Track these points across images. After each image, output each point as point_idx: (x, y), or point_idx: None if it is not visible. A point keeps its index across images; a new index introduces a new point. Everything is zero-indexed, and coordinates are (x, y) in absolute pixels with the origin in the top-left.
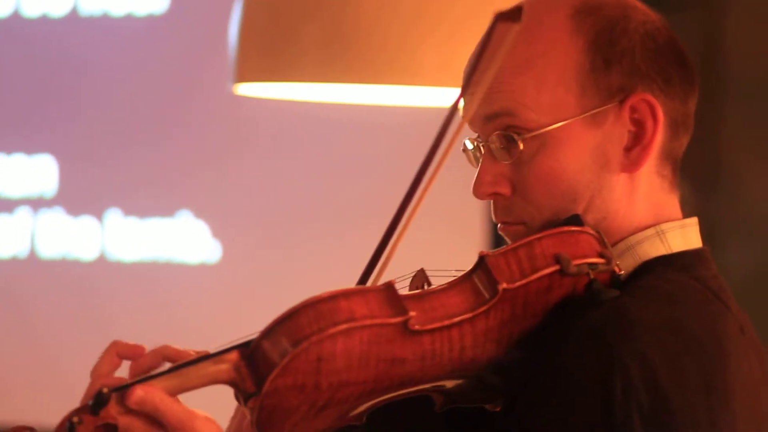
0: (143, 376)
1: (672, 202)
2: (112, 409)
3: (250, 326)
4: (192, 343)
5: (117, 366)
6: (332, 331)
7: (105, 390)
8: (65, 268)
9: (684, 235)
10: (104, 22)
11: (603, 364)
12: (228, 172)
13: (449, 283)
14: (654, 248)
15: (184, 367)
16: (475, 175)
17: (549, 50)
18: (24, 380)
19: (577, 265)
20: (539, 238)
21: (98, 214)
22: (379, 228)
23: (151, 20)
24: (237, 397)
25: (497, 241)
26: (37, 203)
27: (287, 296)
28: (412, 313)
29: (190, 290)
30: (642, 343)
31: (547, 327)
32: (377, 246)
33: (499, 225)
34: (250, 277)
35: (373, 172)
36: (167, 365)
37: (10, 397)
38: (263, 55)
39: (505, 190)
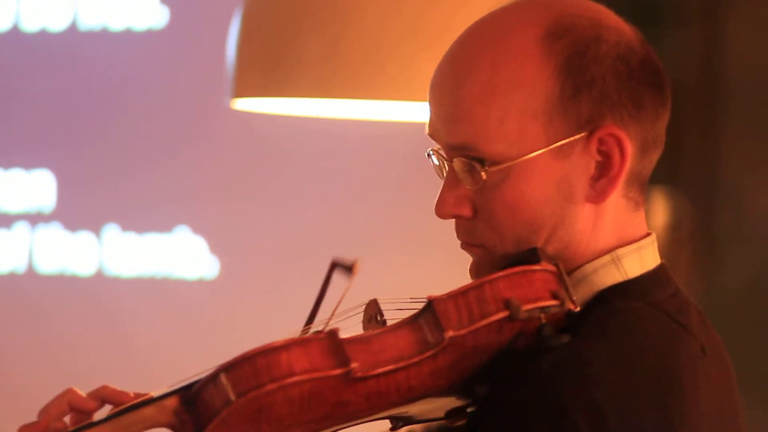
0: (83, 424)
1: (636, 221)
2: None
3: (247, 342)
4: (189, 359)
5: (65, 413)
6: (270, 387)
7: None
8: (63, 283)
9: (640, 258)
10: (103, 36)
11: (550, 414)
12: (226, 187)
13: (396, 325)
14: (610, 276)
15: (124, 414)
16: (438, 194)
17: (516, 76)
18: (23, 394)
19: (528, 311)
20: (491, 281)
21: (96, 230)
22: (376, 243)
23: (150, 35)
24: None
25: None
26: (35, 218)
27: (284, 312)
28: (354, 365)
29: (187, 306)
30: (588, 387)
31: (493, 366)
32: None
33: (460, 243)
34: (248, 293)
35: (373, 188)
36: (107, 407)
37: (8, 412)
38: (261, 71)
39: (467, 212)
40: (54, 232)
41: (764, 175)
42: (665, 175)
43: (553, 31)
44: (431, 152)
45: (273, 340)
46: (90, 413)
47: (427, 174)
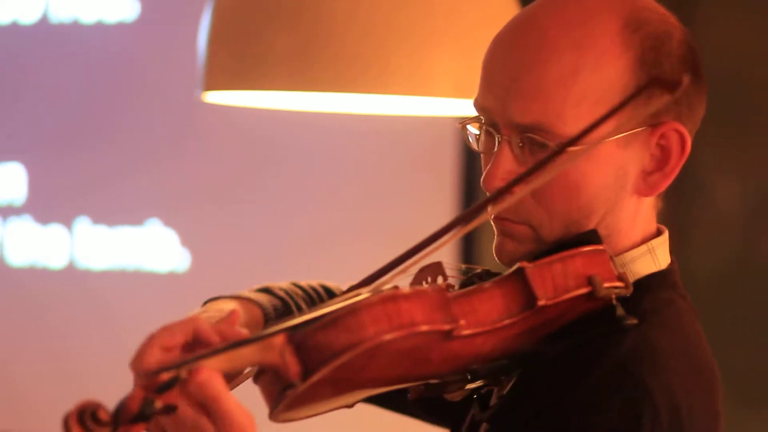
0: (199, 353)
1: (654, 214)
2: (174, 391)
3: None
4: None
5: (189, 339)
6: (396, 334)
7: (183, 373)
8: (34, 276)
9: (665, 250)
10: (75, 29)
11: (634, 398)
12: (197, 181)
13: (486, 286)
14: (646, 266)
15: (233, 349)
16: (489, 167)
17: (597, 63)
18: None
19: (606, 289)
20: (572, 256)
21: (67, 223)
22: (349, 235)
23: (121, 27)
24: (262, 382)
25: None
26: (5, 211)
27: None
28: (462, 321)
29: (159, 298)
30: (668, 379)
31: (562, 342)
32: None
33: (494, 217)
34: (219, 286)
35: (345, 180)
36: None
37: None
38: (232, 63)
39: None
40: (25, 225)
41: (730, 168)
42: None
43: (630, 22)
44: (472, 124)
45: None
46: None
47: (402, 166)
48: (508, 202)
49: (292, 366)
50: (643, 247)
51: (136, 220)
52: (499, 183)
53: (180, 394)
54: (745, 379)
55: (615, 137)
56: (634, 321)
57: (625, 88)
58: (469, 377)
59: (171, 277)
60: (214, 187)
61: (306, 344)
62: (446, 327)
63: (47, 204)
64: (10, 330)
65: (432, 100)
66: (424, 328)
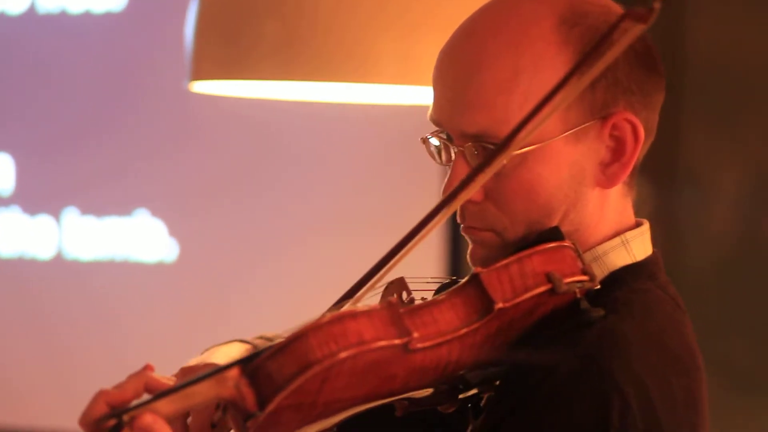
0: (147, 397)
1: (629, 205)
2: None
3: (206, 325)
4: (148, 342)
5: (140, 394)
6: (343, 355)
7: (125, 417)
8: (22, 266)
9: (643, 243)
10: (62, 19)
11: (601, 390)
12: (185, 170)
13: (441, 297)
14: (620, 258)
15: (184, 388)
16: (447, 178)
17: (536, 64)
18: None
19: (567, 284)
20: (529, 255)
21: (55, 213)
22: (338, 225)
23: (108, 18)
24: (229, 416)
25: (455, 241)
26: None
27: (244, 295)
28: (415, 334)
29: (147, 289)
30: (636, 366)
31: (530, 341)
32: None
33: (462, 227)
34: (207, 276)
35: (335, 170)
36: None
37: None
38: (219, 53)
39: (478, 197)
40: (12, 215)
41: (723, 159)
42: None
43: (568, 17)
44: (429, 136)
45: (240, 324)
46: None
47: (391, 155)
48: (455, 207)
49: (248, 397)
50: (616, 240)
51: (124, 210)
52: (459, 194)
53: None
54: (742, 369)
55: (564, 135)
56: (600, 313)
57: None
58: (461, 387)
59: (159, 268)
60: (203, 177)
61: (258, 374)
62: (398, 341)
63: (35, 195)
64: None
65: (418, 88)
66: (374, 345)
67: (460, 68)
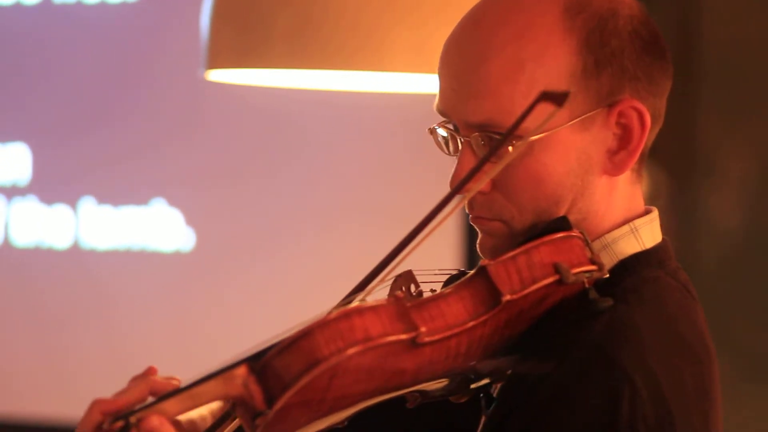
0: (155, 398)
1: (638, 193)
2: None
3: (223, 314)
4: (166, 331)
5: (145, 398)
6: (350, 351)
7: (132, 419)
8: (39, 256)
9: (652, 230)
10: (78, 10)
11: (609, 378)
12: (202, 160)
13: (448, 290)
14: (629, 246)
15: (191, 388)
16: (454, 169)
17: (541, 53)
18: None
19: (575, 274)
20: (536, 246)
21: (72, 203)
22: (354, 214)
23: (124, 8)
24: (238, 413)
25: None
26: (10, 192)
27: (261, 284)
28: (423, 329)
29: (164, 278)
30: (644, 353)
31: (539, 331)
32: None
33: (471, 217)
34: (224, 265)
35: (351, 158)
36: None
37: None
38: (235, 42)
39: (486, 187)
40: (30, 205)
41: (739, 145)
42: None
43: (571, 5)
44: (437, 127)
45: (257, 313)
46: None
47: (408, 144)
48: (466, 198)
49: (257, 394)
50: (625, 228)
51: (141, 200)
52: (470, 185)
53: None
54: (755, 357)
55: (570, 123)
56: (609, 302)
57: (573, 72)
58: (472, 377)
59: (176, 257)
60: (219, 166)
61: (266, 371)
62: (406, 336)
63: (52, 184)
64: (16, 310)
65: (432, 77)
66: (381, 340)
67: (465, 58)
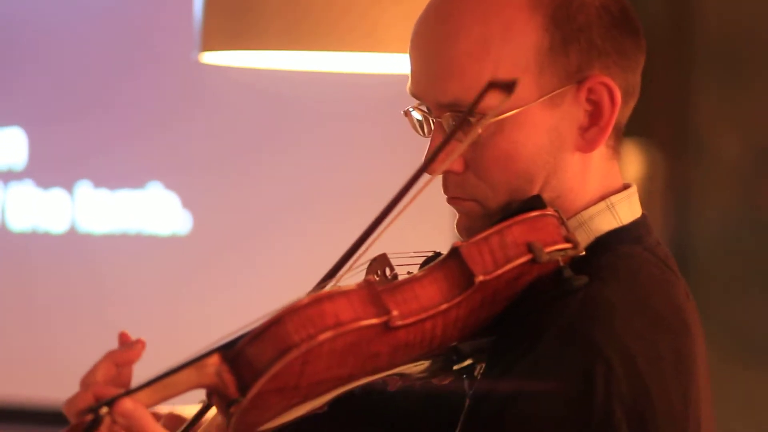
0: (129, 388)
1: (615, 169)
2: (103, 429)
3: (221, 297)
4: (163, 314)
5: (113, 375)
6: (321, 337)
7: (104, 410)
8: (35, 240)
9: (630, 206)
10: None
11: (583, 357)
12: (198, 143)
13: (422, 273)
14: (606, 222)
15: (168, 376)
16: (427, 150)
17: (507, 30)
18: None
19: (549, 253)
20: (509, 226)
21: (68, 187)
22: (349, 202)
23: None
24: (213, 401)
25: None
26: (6, 176)
27: (258, 267)
28: (395, 312)
29: (160, 262)
30: (620, 331)
31: (517, 310)
32: (359, 237)
33: (447, 198)
34: (221, 249)
35: (347, 141)
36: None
37: None
38: (227, 24)
39: (458, 167)
40: (26, 189)
41: (732, 125)
42: (637, 127)
43: None
44: (411, 109)
45: (254, 296)
46: (132, 363)
47: (397, 126)
48: (432, 178)
49: (230, 383)
50: (602, 204)
51: (137, 183)
52: (437, 165)
53: (108, 424)
54: (749, 335)
55: (540, 100)
56: (584, 280)
57: (540, 49)
58: (455, 358)
59: (173, 240)
60: (215, 149)
61: (238, 360)
62: (377, 320)
63: (48, 168)
64: (12, 295)
65: None
66: (353, 325)
67: (432, 39)
